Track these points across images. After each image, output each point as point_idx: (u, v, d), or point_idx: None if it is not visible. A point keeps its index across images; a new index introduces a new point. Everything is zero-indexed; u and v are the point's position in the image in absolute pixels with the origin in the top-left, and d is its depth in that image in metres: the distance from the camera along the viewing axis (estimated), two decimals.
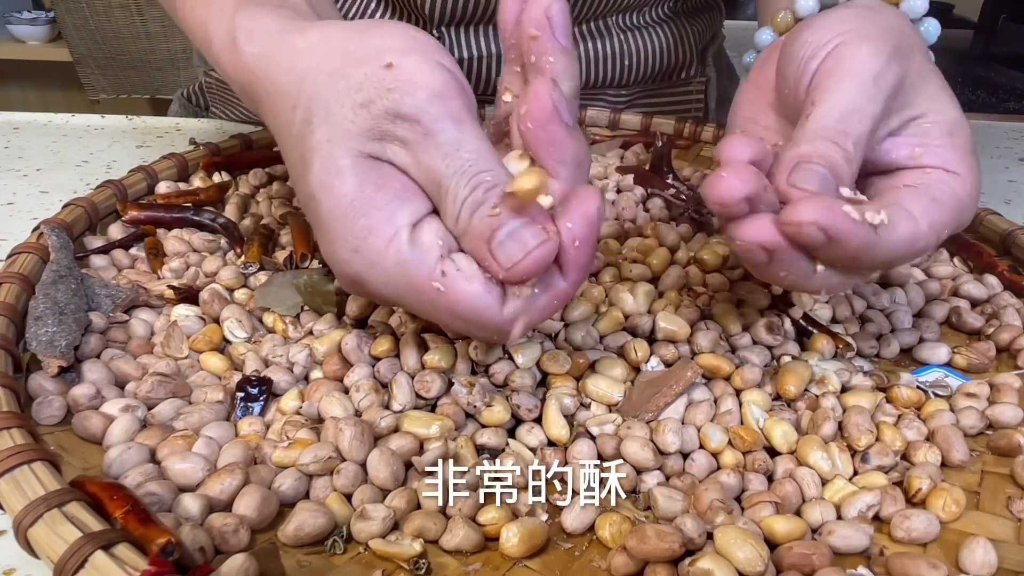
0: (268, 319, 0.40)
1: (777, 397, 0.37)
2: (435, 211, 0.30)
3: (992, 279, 0.47)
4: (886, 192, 0.33)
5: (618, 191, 0.55)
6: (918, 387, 0.38)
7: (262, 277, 0.42)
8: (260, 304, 0.40)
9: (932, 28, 0.37)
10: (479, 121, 0.30)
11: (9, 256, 0.40)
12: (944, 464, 0.34)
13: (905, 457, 0.34)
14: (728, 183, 0.30)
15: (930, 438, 0.35)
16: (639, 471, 0.32)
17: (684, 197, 0.52)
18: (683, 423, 0.34)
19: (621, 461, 0.32)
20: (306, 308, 0.40)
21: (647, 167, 0.58)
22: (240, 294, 0.42)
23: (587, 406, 0.35)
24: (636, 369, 0.37)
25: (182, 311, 0.40)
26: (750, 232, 0.30)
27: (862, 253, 0.30)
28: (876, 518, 0.31)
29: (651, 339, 0.39)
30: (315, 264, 0.43)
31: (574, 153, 0.29)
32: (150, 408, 0.34)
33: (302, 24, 0.34)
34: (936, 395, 0.38)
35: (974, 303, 0.46)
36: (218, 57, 0.37)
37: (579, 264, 0.29)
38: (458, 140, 0.29)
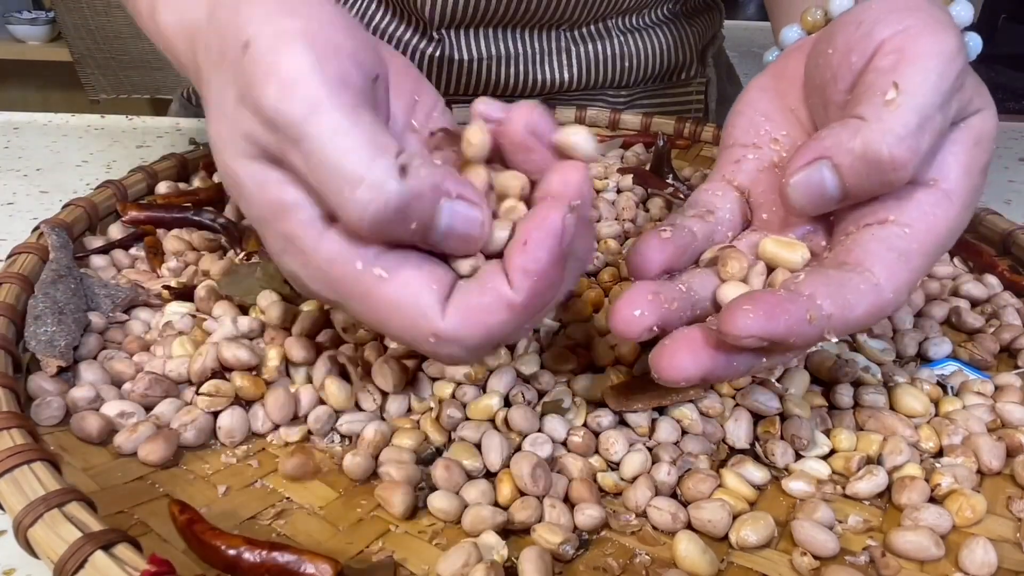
0: (253, 312, 0.40)
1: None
2: None
3: (992, 279, 0.47)
4: (851, 245, 0.30)
5: (618, 191, 0.55)
6: (938, 382, 0.38)
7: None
8: (223, 292, 0.40)
9: (974, 44, 0.34)
10: (363, 85, 0.27)
11: (9, 256, 0.40)
12: (979, 471, 0.34)
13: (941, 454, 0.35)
14: (625, 318, 0.28)
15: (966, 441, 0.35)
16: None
17: (684, 197, 0.52)
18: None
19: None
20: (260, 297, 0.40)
21: (647, 167, 0.58)
22: None
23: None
24: (630, 367, 0.37)
25: (175, 309, 0.40)
26: (679, 366, 0.27)
27: (811, 344, 0.28)
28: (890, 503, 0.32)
29: (653, 340, 0.39)
30: None
31: (560, 281, 0.27)
32: (148, 409, 0.34)
33: None
34: (952, 390, 0.39)
35: (974, 303, 0.46)
36: (144, 23, 0.35)
37: (526, 270, 0.26)
38: (319, 150, 0.25)
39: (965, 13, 0.34)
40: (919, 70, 0.28)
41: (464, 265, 0.27)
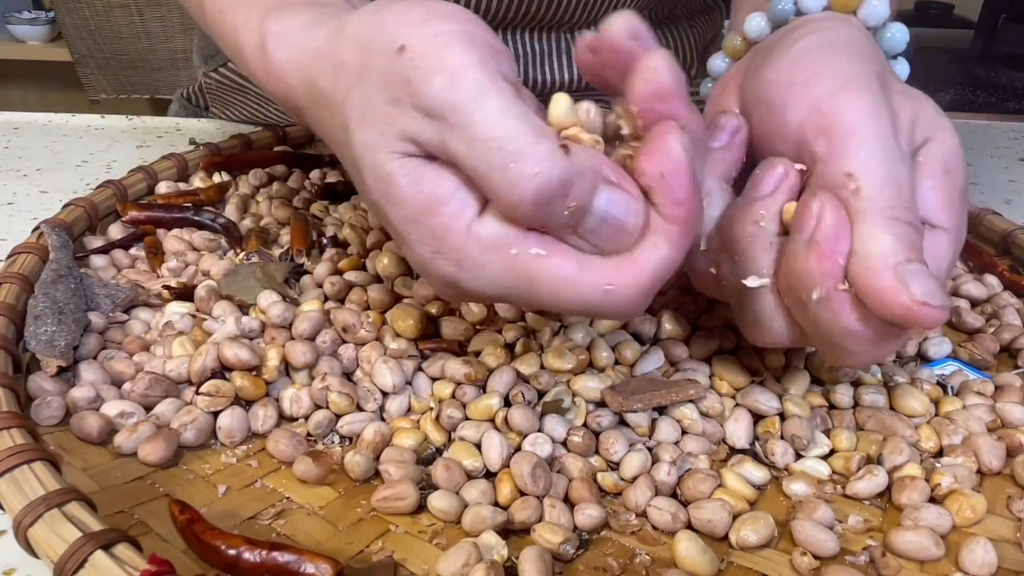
0: (253, 312, 0.40)
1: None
2: None
3: (992, 279, 0.47)
4: None
5: None
6: (938, 383, 0.38)
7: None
8: (225, 292, 0.40)
9: (899, 34, 0.34)
10: (515, 83, 0.27)
11: (9, 256, 0.40)
12: (979, 471, 0.34)
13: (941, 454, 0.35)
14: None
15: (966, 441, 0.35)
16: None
17: None
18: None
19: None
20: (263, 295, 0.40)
21: None
22: None
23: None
24: (630, 367, 0.37)
25: (175, 309, 0.40)
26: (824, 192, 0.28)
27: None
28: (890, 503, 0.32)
29: (655, 339, 0.39)
30: (309, 262, 0.43)
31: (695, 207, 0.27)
32: (148, 409, 0.34)
33: (334, 19, 0.31)
34: (952, 390, 0.39)
35: (974, 303, 0.46)
36: (249, 66, 0.35)
37: (676, 198, 0.26)
38: (485, 130, 0.25)
39: (880, 8, 0.33)
40: (857, 145, 0.28)
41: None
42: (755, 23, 0.35)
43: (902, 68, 0.35)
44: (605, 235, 0.27)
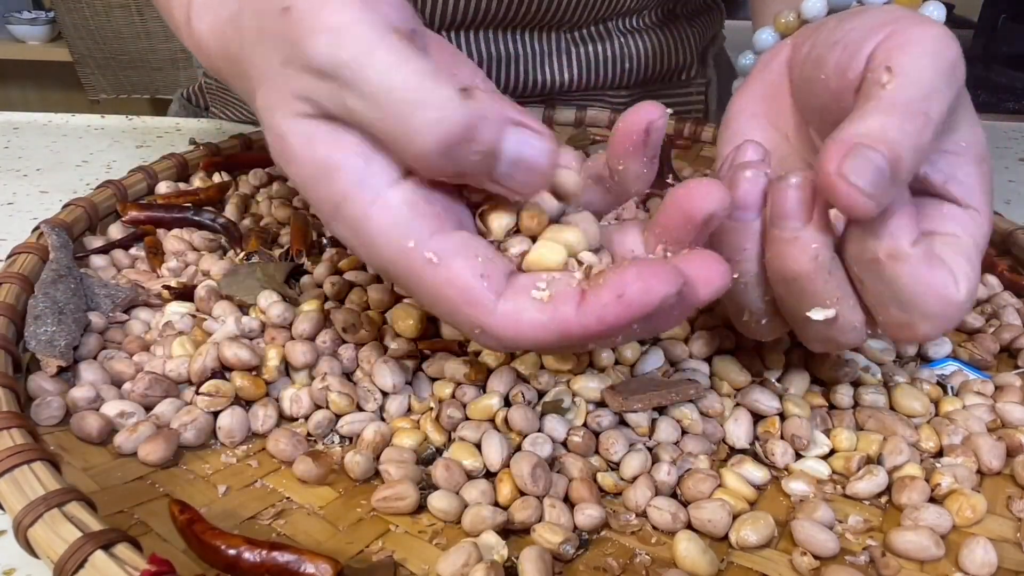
0: (253, 312, 0.40)
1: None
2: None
3: (992, 279, 0.47)
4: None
5: None
6: (938, 383, 0.38)
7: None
8: (225, 292, 0.40)
9: (938, 13, 0.35)
10: (408, 32, 0.26)
11: (9, 256, 0.40)
12: (979, 471, 0.34)
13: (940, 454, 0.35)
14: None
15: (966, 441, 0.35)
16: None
17: None
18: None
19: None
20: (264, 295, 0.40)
21: None
22: None
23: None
24: (630, 367, 0.37)
25: (175, 309, 0.40)
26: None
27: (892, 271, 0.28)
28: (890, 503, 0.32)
29: (655, 339, 0.39)
30: (309, 262, 0.43)
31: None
32: (148, 408, 0.34)
33: None
34: (952, 390, 0.39)
35: (974, 303, 0.46)
36: (184, 42, 0.35)
37: (601, 316, 0.25)
38: (378, 84, 0.24)
39: (937, 14, 0.34)
40: (911, 54, 0.28)
41: (514, 247, 0.28)
42: (813, 3, 0.36)
43: None
44: (519, 179, 0.26)
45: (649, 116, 0.28)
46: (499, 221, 0.28)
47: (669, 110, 0.28)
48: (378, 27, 0.25)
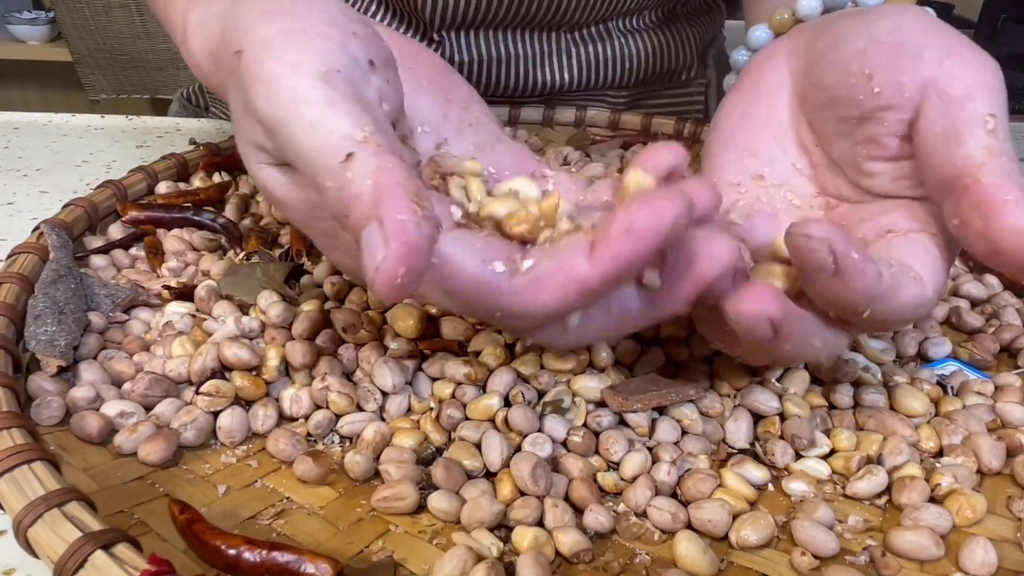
0: (253, 312, 0.40)
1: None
2: None
3: (992, 279, 0.47)
4: (888, 246, 0.30)
5: None
6: (938, 383, 0.38)
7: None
8: (225, 292, 0.41)
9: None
10: (359, 74, 0.26)
11: (9, 256, 0.40)
12: (979, 471, 0.34)
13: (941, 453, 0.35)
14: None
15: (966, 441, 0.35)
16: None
17: None
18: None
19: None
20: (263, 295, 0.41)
21: None
22: None
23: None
24: (629, 368, 0.37)
25: (175, 309, 0.40)
26: (753, 304, 0.26)
27: (863, 301, 0.27)
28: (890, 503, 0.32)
29: (655, 339, 0.39)
30: (309, 262, 0.43)
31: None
32: (148, 408, 0.34)
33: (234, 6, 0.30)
34: (952, 390, 0.39)
35: (974, 303, 0.46)
36: (184, 57, 0.36)
37: (615, 254, 0.23)
38: (302, 146, 0.25)
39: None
40: (991, 95, 0.28)
41: (488, 206, 0.28)
42: (808, 2, 0.36)
43: None
44: (368, 271, 0.23)
45: (674, 160, 0.28)
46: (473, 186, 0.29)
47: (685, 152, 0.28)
48: (309, 75, 0.25)
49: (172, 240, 0.46)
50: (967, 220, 0.28)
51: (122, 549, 0.24)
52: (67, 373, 0.35)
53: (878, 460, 0.34)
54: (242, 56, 0.26)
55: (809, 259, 0.26)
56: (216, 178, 0.54)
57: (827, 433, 0.35)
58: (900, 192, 0.32)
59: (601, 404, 0.35)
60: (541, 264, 0.25)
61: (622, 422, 0.35)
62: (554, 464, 0.33)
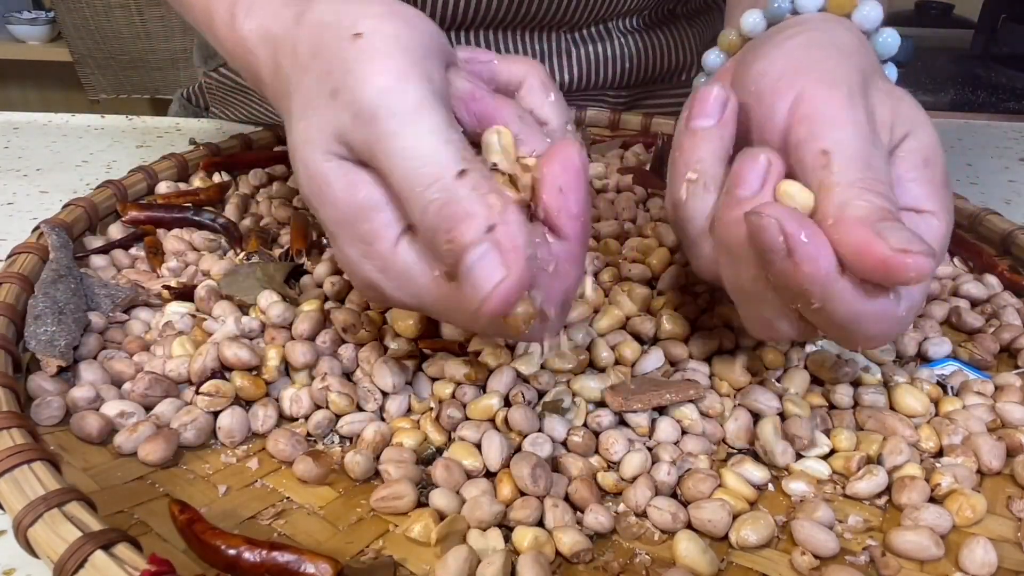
0: (253, 312, 0.40)
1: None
2: None
3: (992, 279, 0.47)
4: None
5: (618, 191, 0.55)
6: (938, 383, 0.38)
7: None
8: (225, 292, 0.41)
9: (891, 39, 0.34)
10: (447, 99, 0.28)
11: (9, 256, 0.40)
12: (979, 471, 0.34)
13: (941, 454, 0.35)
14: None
15: (966, 441, 0.35)
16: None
17: None
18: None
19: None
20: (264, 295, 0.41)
21: (647, 167, 0.58)
22: None
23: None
24: (630, 367, 0.37)
25: (175, 309, 0.40)
26: (770, 206, 0.27)
27: (815, 290, 0.27)
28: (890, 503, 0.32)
29: (655, 339, 0.39)
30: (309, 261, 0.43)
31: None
32: (148, 409, 0.34)
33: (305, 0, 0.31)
34: (952, 390, 0.39)
35: (974, 303, 0.46)
36: (217, 33, 0.35)
37: (570, 213, 0.26)
38: (410, 147, 0.26)
39: (874, 13, 0.34)
40: (833, 130, 0.29)
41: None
42: (751, 20, 0.36)
43: (891, 72, 0.35)
44: (467, 290, 0.25)
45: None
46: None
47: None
48: (431, 91, 0.27)
49: (172, 240, 0.46)
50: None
51: (122, 549, 0.24)
52: (67, 373, 0.35)
53: (878, 460, 0.34)
54: (362, 39, 0.27)
55: (761, 239, 0.26)
56: (216, 178, 0.53)
57: (827, 433, 0.35)
58: None
59: (601, 404, 0.35)
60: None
61: (622, 422, 0.35)
62: (554, 464, 0.33)
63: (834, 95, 0.30)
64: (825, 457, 0.34)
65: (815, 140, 0.29)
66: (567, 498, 0.31)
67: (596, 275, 0.44)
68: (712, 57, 0.39)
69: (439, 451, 0.34)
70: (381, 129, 0.26)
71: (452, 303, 0.27)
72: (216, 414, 0.34)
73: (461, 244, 0.25)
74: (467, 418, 0.34)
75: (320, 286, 0.41)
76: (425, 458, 0.33)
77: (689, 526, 0.30)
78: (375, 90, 0.26)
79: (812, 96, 0.30)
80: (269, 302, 0.39)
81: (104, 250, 0.45)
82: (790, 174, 0.30)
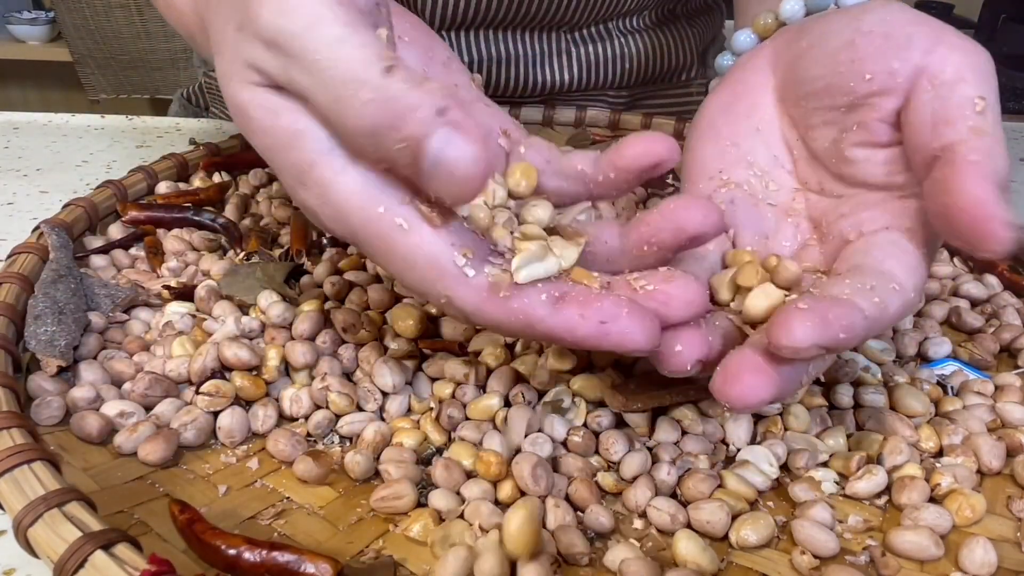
0: (253, 312, 0.40)
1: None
2: None
3: (992, 279, 0.47)
4: (864, 249, 0.30)
5: None
6: (938, 382, 0.38)
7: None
8: (225, 292, 0.41)
9: None
10: (372, 9, 0.26)
11: (9, 256, 0.40)
12: (979, 471, 0.34)
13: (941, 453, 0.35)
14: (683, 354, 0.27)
15: (966, 441, 0.35)
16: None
17: None
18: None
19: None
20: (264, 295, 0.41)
21: None
22: None
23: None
24: (630, 367, 0.37)
25: (175, 309, 0.40)
26: (747, 389, 0.25)
27: (857, 342, 0.26)
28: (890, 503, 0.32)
29: None
30: (309, 262, 0.43)
31: None
32: (148, 409, 0.34)
33: None
34: (952, 390, 0.39)
35: (974, 303, 0.46)
36: (167, 15, 0.35)
37: (573, 329, 0.26)
38: (323, 58, 0.24)
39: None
40: (982, 78, 0.29)
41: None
42: (791, 6, 0.37)
43: None
44: (438, 182, 0.24)
45: (662, 154, 0.29)
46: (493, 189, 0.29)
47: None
48: (325, 3, 0.25)
49: (172, 240, 0.46)
50: (931, 193, 0.28)
51: (122, 549, 0.24)
52: (67, 373, 0.35)
53: (878, 460, 0.34)
54: (217, 71, 0.26)
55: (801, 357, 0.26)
56: (216, 178, 0.53)
57: (826, 432, 0.35)
58: (884, 179, 0.32)
59: (601, 404, 0.35)
60: (508, 284, 0.26)
61: (622, 422, 0.35)
62: (554, 464, 0.33)
63: (978, 49, 0.30)
64: (825, 464, 0.34)
65: (966, 85, 0.29)
66: (567, 498, 0.31)
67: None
68: (742, 38, 0.39)
69: (439, 451, 0.34)
70: (290, 48, 0.25)
71: (388, 249, 0.26)
72: (216, 414, 0.34)
73: (415, 137, 0.23)
74: (467, 418, 0.34)
75: (320, 286, 0.41)
76: (425, 458, 0.33)
77: (688, 526, 0.30)
78: (271, 16, 0.25)
79: (954, 42, 0.30)
80: (269, 302, 0.39)
81: (104, 250, 0.45)
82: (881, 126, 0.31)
